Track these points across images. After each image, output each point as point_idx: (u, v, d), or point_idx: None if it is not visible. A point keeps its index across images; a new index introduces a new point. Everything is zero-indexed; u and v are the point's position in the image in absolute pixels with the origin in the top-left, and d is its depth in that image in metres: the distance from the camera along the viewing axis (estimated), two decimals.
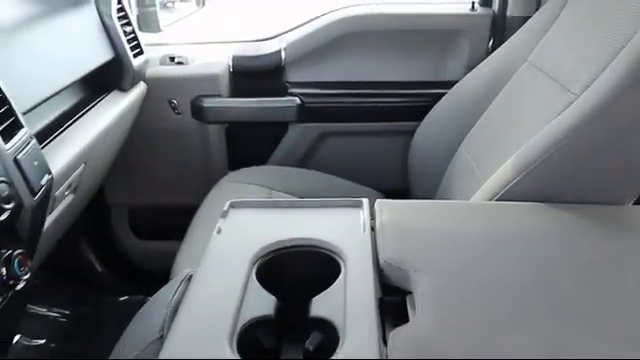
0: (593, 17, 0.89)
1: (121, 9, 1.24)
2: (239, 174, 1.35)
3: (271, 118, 1.40)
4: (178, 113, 1.38)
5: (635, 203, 0.76)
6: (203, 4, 1.64)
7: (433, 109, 1.28)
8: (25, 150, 0.75)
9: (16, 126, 0.76)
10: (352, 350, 0.45)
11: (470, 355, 0.46)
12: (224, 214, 0.67)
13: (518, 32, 1.16)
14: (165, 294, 0.56)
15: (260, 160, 1.43)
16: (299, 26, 1.44)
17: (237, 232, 0.63)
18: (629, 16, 0.78)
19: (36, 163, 0.77)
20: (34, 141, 0.78)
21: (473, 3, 1.40)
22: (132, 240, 1.56)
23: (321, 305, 0.51)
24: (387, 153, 1.45)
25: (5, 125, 0.73)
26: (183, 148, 1.43)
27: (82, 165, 0.99)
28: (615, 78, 0.72)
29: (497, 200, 0.75)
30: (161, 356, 0.45)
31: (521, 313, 0.51)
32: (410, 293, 0.54)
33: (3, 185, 0.68)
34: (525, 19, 1.16)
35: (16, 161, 0.73)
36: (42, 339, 1.32)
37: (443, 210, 0.71)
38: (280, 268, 0.59)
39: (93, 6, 1.18)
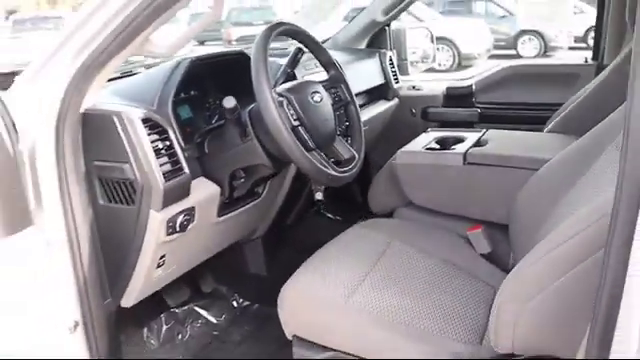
0: None
1: (390, 60, 2.52)
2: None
3: None
4: (414, 116, 2.60)
5: None
6: (434, 60, 2.88)
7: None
8: None
9: None
10: None
11: None
12: None
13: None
14: None
15: None
16: (486, 71, 2.59)
17: None
18: None
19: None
20: None
21: (586, 58, 2.39)
22: None
23: None
24: None
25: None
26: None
27: None
28: None
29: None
30: None
31: None
32: None
33: None
34: None
35: None
36: None
37: None
38: None
39: (378, 58, 2.48)
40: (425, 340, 1.18)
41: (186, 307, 1.88)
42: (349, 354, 1.23)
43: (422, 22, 11.39)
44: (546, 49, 11.18)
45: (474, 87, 2.52)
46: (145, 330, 1.74)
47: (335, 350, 1.25)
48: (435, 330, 1.20)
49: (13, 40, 13.75)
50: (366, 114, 2.18)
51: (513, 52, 11.43)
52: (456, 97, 2.54)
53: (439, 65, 10.35)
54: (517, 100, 2.43)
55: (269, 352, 1.73)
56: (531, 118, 2.30)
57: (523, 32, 11.52)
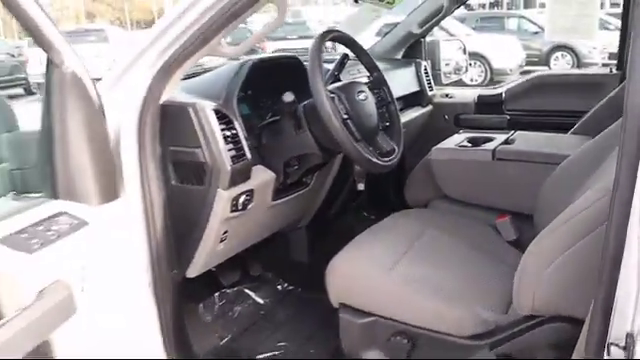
0: None
1: (425, 69, 2.70)
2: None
3: None
4: (447, 121, 2.76)
5: None
6: (466, 71, 3.04)
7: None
8: None
9: None
10: None
11: None
12: None
13: None
14: None
15: None
16: (516, 80, 2.76)
17: None
18: None
19: None
20: None
21: (611, 68, 2.54)
22: None
23: None
24: None
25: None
26: None
27: None
28: None
29: None
30: None
31: None
32: None
33: None
34: None
35: None
36: None
37: None
38: None
39: (413, 67, 2.67)
40: (458, 306, 1.35)
41: (236, 288, 2.06)
42: (389, 318, 1.41)
43: (455, 37, 11.56)
44: (579, 65, 11.17)
45: (504, 95, 2.69)
46: (201, 306, 1.94)
47: (377, 315, 1.42)
48: (467, 299, 1.37)
49: None
50: (402, 118, 2.35)
51: (545, 68, 11.48)
52: (487, 104, 2.70)
53: (471, 80, 10.50)
54: (544, 107, 2.58)
55: (311, 331, 1.91)
56: (557, 124, 2.45)
57: (556, 48, 11.56)
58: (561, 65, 11.37)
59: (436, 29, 2.96)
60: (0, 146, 1.27)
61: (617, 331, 0.93)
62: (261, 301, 2.09)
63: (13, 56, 15.49)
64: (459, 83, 3.20)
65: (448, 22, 12.42)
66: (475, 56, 10.87)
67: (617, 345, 0.93)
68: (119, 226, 1.30)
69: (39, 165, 1.24)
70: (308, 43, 1.61)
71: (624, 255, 0.91)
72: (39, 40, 1.10)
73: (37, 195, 1.25)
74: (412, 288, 1.41)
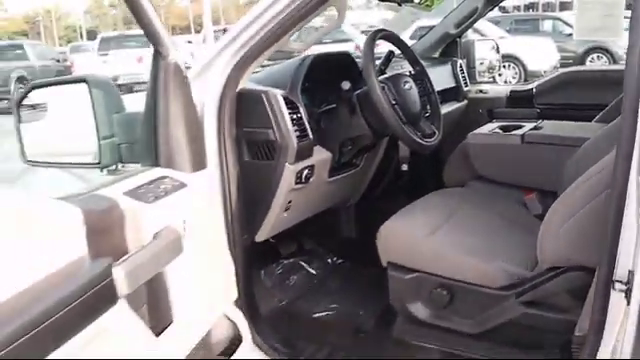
0: None
1: (461, 67, 2.93)
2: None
3: None
4: (482, 115, 2.98)
5: None
6: (499, 69, 3.26)
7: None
8: None
9: None
10: None
11: None
12: None
13: None
14: None
15: None
16: (547, 76, 2.96)
17: None
18: None
19: None
20: None
21: None
22: None
23: None
24: None
25: None
26: None
27: None
28: None
29: None
30: None
31: None
32: None
33: None
34: None
35: None
36: None
37: None
38: None
39: (450, 65, 2.90)
40: (490, 263, 1.59)
41: (292, 259, 2.33)
42: (431, 273, 1.65)
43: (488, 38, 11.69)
44: None
45: (534, 90, 2.90)
46: (263, 272, 2.20)
47: (421, 271, 1.67)
48: (497, 257, 1.60)
49: (101, 56, 14.95)
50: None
51: None
52: (518, 99, 2.91)
53: (505, 82, 10.63)
54: (572, 101, 2.77)
55: (359, 297, 2.16)
56: (585, 117, 2.65)
57: (591, 50, 11.61)
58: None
59: (470, 31, 3.18)
60: (111, 124, 1.55)
61: (621, 270, 1.16)
62: (314, 272, 2.35)
63: (58, 61, 16.16)
64: (493, 84, 3.42)
65: (482, 25, 12.60)
66: (509, 58, 11.01)
67: (620, 281, 1.16)
68: (206, 191, 1.57)
69: (141, 140, 1.52)
70: (343, 47, 1.86)
71: (625, 209, 1.14)
72: (151, 36, 1.38)
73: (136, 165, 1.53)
74: (451, 248, 1.65)
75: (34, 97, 1.59)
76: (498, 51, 3.30)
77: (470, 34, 3.11)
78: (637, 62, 1.10)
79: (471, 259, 1.61)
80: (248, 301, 1.73)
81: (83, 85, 1.52)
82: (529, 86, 2.94)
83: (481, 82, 3.09)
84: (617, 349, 1.17)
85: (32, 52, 15.10)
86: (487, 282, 1.58)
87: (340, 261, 2.42)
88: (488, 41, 3.34)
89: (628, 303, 1.13)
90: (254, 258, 1.89)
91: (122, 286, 1.03)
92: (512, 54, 10.98)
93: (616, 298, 1.16)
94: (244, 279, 1.70)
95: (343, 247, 2.42)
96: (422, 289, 1.68)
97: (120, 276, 1.02)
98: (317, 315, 2.07)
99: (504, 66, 11.39)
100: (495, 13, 18.58)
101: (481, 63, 3.17)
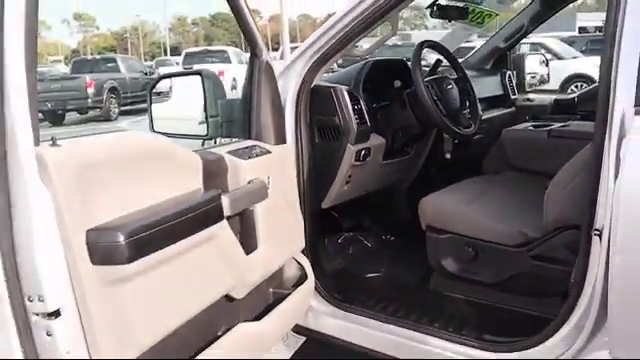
0: None
1: (509, 77, 3.30)
2: None
3: None
4: (528, 121, 3.33)
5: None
6: (548, 81, 3.61)
7: None
8: None
9: None
10: None
11: None
12: None
13: None
14: None
15: None
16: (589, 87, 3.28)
17: None
18: None
19: None
20: None
21: None
22: None
23: None
24: None
25: None
26: None
27: None
28: None
29: None
30: None
31: None
32: None
33: None
34: None
35: None
36: None
37: None
38: None
39: (499, 75, 3.28)
40: (508, 226, 1.98)
41: (351, 233, 2.77)
42: (461, 234, 2.05)
43: (560, 57, 11.78)
44: None
45: (576, 99, 3.23)
46: (326, 240, 2.65)
47: (453, 233, 2.07)
48: (515, 222, 1.99)
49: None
50: (487, 114, 2.99)
51: None
52: (561, 106, 3.25)
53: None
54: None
55: (406, 264, 2.56)
56: None
57: None
58: None
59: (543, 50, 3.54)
60: (216, 107, 2.05)
61: (600, 219, 1.52)
62: (369, 245, 2.78)
63: (146, 74, 17.32)
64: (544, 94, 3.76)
65: (554, 44, 12.69)
66: (581, 78, 11.08)
67: (597, 229, 1.52)
68: (285, 160, 2.01)
69: (238, 119, 2.00)
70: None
71: (601, 174, 1.50)
72: (250, 39, 1.87)
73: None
74: (479, 215, 2.06)
75: (161, 86, 2.13)
76: (547, 65, 3.65)
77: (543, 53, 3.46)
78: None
79: (494, 223, 2.01)
80: (313, 257, 2.17)
81: (197, 77, 2.03)
82: (572, 96, 3.28)
83: (530, 91, 3.45)
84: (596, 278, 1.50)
85: (123, 65, 16.31)
86: (505, 241, 1.97)
87: (392, 238, 2.84)
88: (538, 55, 3.69)
89: (601, 241, 1.47)
90: (320, 225, 2.32)
91: (227, 208, 1.50)
92: (584, 73, 11.05)
93: (597, 247, 1.49)
94: (310, 236, 2.13)
95: (395, 226, 2.84)
96: (453, 247, 2.09)
97: (226, 202, 1.50)
98: (369, 275, 2.50)
99: (576, 86, 11.47)
100: (569, 33, 18.48)
101: (532, 77, 3.53)
